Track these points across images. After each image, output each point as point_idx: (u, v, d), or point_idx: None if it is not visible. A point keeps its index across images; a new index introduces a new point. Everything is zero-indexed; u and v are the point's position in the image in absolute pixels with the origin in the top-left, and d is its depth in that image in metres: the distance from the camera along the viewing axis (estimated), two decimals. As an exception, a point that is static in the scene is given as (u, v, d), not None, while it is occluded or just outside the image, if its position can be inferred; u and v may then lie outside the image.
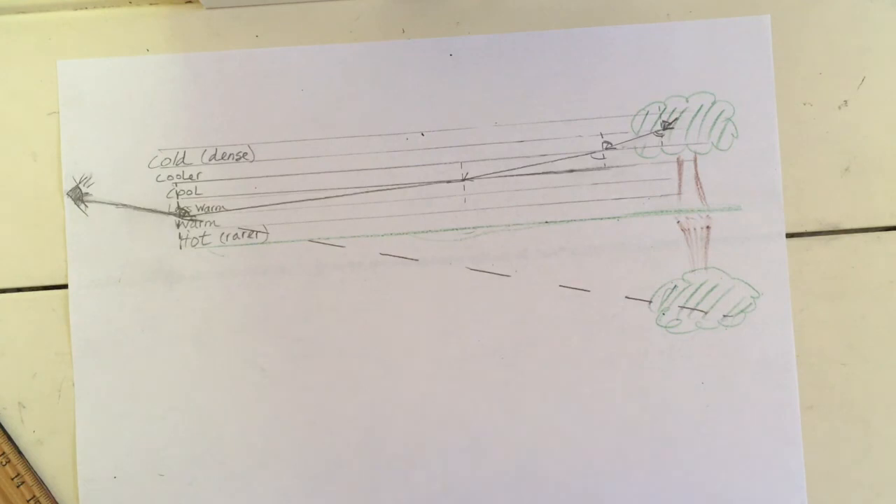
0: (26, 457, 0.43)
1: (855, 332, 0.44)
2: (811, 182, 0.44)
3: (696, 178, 0.44)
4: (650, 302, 0.44)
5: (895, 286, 0.44)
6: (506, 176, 0.44)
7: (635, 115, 0.44)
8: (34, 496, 0.42)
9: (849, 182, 0.44)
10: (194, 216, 0.43)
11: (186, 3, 0.44)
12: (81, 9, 0.44)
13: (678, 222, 0.44)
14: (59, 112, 0.43)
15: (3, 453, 0.42)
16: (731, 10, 0.44)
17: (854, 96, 0.44)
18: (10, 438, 0.43)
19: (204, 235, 0.43)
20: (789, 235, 0.44)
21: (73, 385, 0.43)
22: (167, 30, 0.43)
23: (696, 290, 0.44)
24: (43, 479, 0.43)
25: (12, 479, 0.42)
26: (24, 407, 0.43)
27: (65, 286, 0.43)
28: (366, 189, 0.44)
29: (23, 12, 0.43)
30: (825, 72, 0.44)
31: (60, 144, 0.43)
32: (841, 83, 0.44)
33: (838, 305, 0.44)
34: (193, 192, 0.43)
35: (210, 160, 0.43)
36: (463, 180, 0.44)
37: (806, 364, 0.44)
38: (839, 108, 0.44)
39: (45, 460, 0.42)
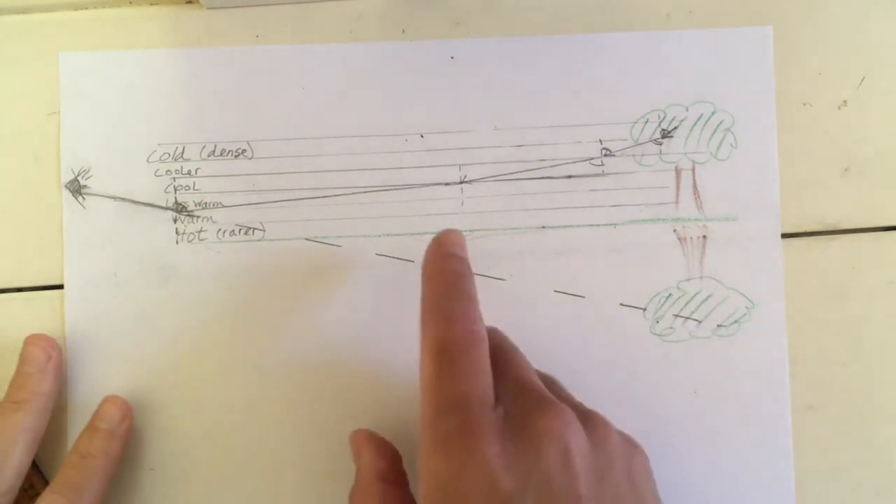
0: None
1: (855, 332, 0.44)
2: (810, 182, 0.44)
3: (694, 187, 0.44)
4: (644, 310, 0.44)
5: (895, 286, 0.44)
6: (504, 180, 0.44)
7: (635, 123, 0.44)
8: (31, 485, 0.42)
9: (849, 182, 0.44)
10: (192, 212, 0.43)
11: (187, 3, 0.44)
12: (82, 9, 0.44)
13: (675, 231, 0.44)
14: (59, 112, 0.43)
15: None
16: (733, 19, 0.44)
17: (854, 96, 0.44)
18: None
19: (201, 231, 0.43)
20: (789, 236, 0.44)
21: (67, 379, 0.43)
22: (167, 30, 0.43)
23: (691, 299, 0.44)
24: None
25: None
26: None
27: (63, 286, 0.43)
28: (363, 189, 0.44)
29: (23, 12, 0.43)
30: (825, 72, 0.44)
31: (61, 145, 0.43)
32: (841, 83, 0.44)
33: (838, 305, 0.44)
34: (191, 187, 0.44)
35: (209, 156, 0.44)
36: (461, 183, 0.44)
37: (805, 365, 0.44)
38: (839, 108, 0.44)
39: (39, 456, 0.42)
